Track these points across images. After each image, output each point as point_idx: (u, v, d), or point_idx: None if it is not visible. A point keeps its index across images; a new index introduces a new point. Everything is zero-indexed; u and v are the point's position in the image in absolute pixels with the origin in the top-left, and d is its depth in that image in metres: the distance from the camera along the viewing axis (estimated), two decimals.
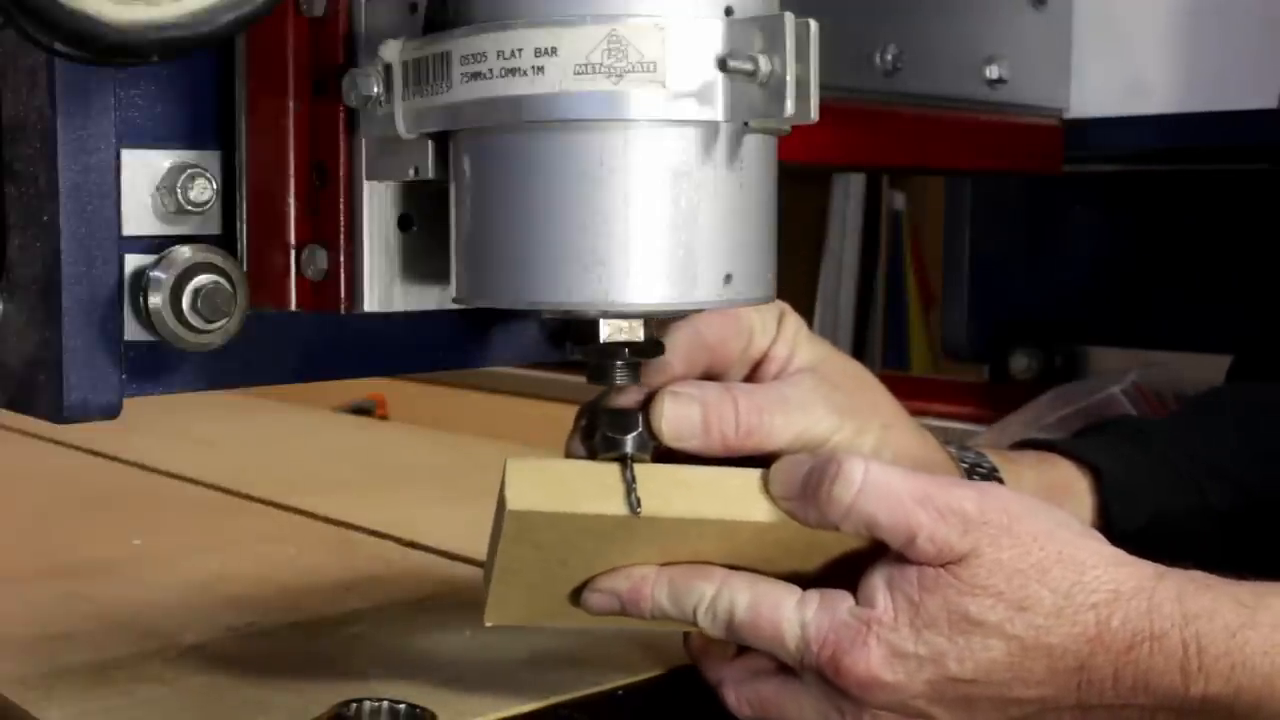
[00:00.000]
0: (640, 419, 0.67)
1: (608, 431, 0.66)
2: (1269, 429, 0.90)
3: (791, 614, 0.65)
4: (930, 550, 0.63)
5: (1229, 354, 1.10)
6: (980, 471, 0.77)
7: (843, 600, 0.65)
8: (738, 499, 0.66)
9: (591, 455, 0.67)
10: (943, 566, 0.63)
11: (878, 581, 0.64)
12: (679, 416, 0.67)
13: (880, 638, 0.63)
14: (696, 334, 0.70)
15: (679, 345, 0.69)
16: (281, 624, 0.85)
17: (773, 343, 0.72)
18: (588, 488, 0.65)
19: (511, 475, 0.64)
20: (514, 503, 0.63)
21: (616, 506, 0.64)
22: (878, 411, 0.73)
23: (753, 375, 0.73)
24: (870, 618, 0.64)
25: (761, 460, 0.68)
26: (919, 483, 0.64)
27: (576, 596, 0.68)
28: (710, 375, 0.71)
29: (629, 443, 0.66)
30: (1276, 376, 1.00)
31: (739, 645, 0.69)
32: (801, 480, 0.65)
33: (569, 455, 0.69)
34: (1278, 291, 1.16)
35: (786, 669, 0.67)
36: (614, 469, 0.65)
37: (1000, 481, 0.76)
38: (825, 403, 0.70)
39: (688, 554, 0.67)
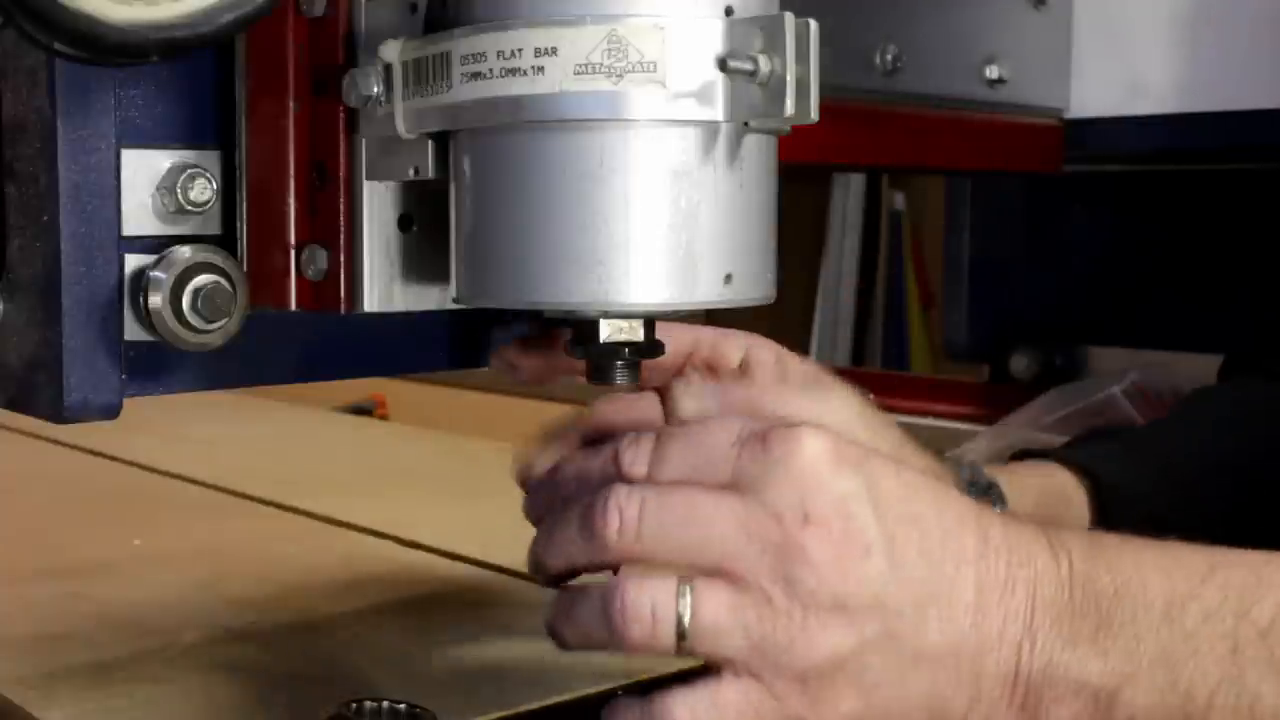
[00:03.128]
0: None
1: None
2: (1263, 428, 0.90)
3: None
4: None
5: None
6: (978, 484, 0.76)
7: None
8: None
9: None
10: None
11: None
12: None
13: None
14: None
15: None
16: (281, 624, 0.85)
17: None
18: None
19: None
20: None
21: None
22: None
23: None
24: None
25: None
26: None
27: None
28: None
29: None
30: (1267, 374, 1.00)
31: None
32: None
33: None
34: (1270, 290, 1.16)
35: None
36: None
37: (1000, 494, 0.75)
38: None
39: None
